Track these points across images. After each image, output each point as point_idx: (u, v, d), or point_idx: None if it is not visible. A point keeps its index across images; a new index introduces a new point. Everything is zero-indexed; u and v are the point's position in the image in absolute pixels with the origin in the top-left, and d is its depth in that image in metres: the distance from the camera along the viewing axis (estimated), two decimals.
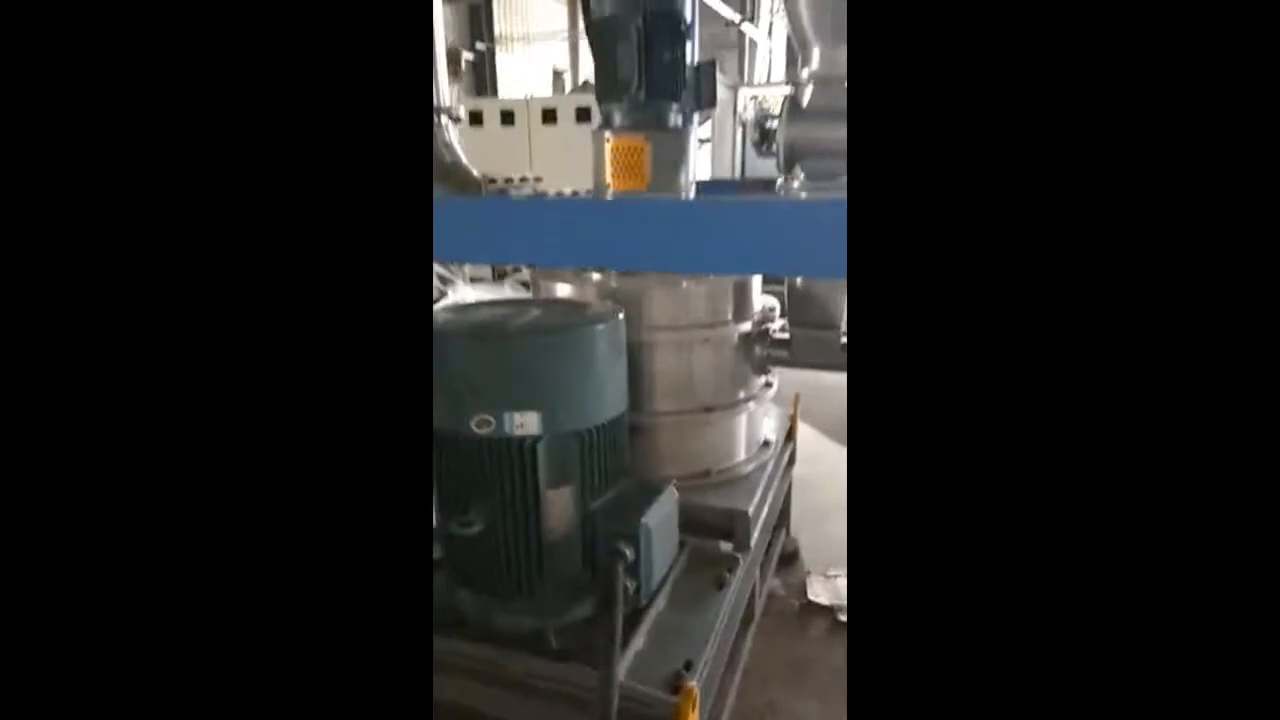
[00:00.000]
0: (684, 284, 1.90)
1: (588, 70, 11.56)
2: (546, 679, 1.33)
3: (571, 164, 5.15)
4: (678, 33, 1.89)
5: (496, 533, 1.36)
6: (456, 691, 1.37)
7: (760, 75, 9.71)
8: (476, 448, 1.33)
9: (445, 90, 2.28)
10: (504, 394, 1.30)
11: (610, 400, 1.42)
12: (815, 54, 1.74)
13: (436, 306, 1.81)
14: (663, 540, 1.47)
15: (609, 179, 2.01)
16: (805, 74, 1.77)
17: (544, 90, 10.92)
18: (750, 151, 6.43)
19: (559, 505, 1.38)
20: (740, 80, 8.87)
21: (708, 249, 0.93)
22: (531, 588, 1.40)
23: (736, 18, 9.45)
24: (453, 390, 1.33)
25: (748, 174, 6.17)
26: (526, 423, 1.31)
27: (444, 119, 2.28)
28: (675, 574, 1.62)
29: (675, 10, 1.87)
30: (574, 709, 1.30)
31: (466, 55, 10.08)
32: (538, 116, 5.81)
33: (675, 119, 1.98)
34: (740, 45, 10.46)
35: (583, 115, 5.65)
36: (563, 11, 11.88)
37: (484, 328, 1.37)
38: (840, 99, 1.73)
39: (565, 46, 11.76)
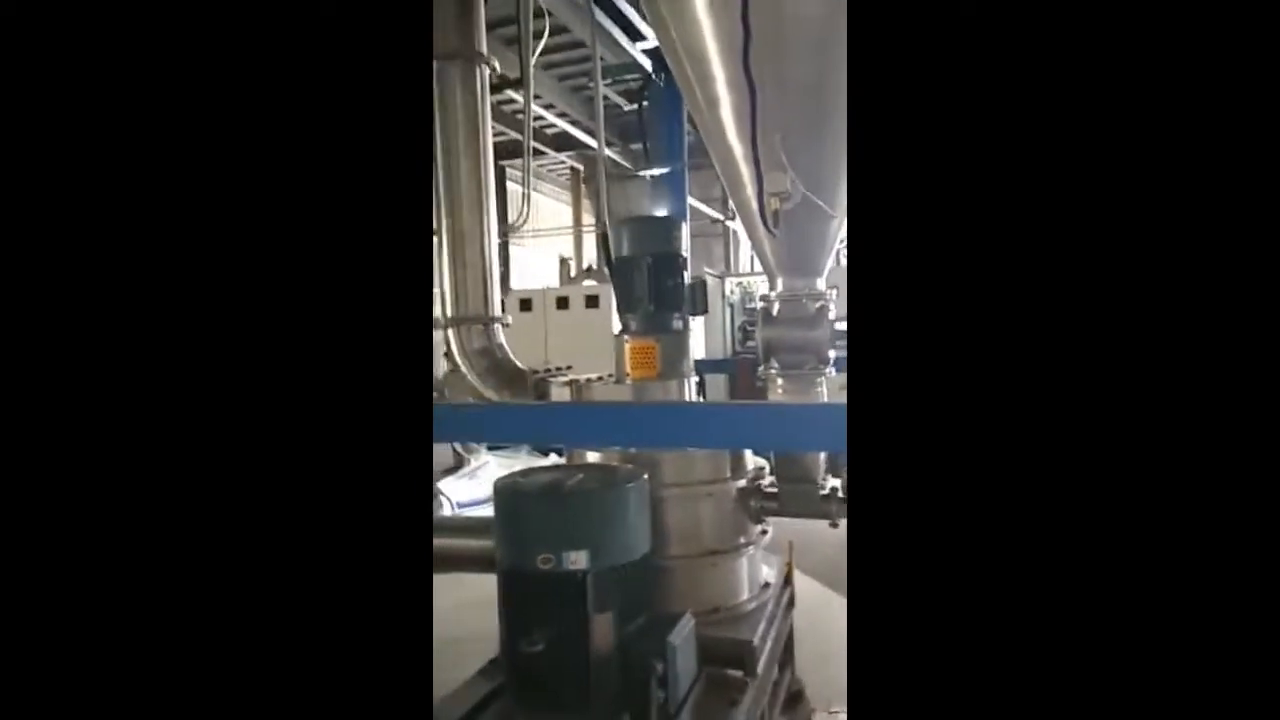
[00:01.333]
0: (689, 450, 2.39)
1: (590, 257, 12.96)
2: None
3: (582, 343, 5.86)
4: (676, 265, 2.56)
5: (555, 651, 1.73)
6: None
7: (743, 261, 11.01)
8: (540, 580, 1.74)
9: (497, 301, 2.93)
10: (563, 537, 1.74)
11: (640, 543, 1.86)
12: (779, 281, 2.38)
13: (471, 470, 2.28)
14: (686, 659, 1.83)
15: (628, 370, 2.58)
16: (773, 294, 2.40)
17: (552, 273, 12.18)
18: (738, 328, 7.26)
19: (602, 628, 1.76)
20: (726, 269, 10.15)
21: (709, 436, 1.45)
22: (582, 700, 1.74)
23: (721, 216, 10.93)
24: (521, 536, 1.77)
25: (737, 348, 6.90)
26: (579, 559, 1.73)
27: (496, 326, 2.91)
28: (695, 695, 1.94)
29: (674, 250, 2.56)
30: None
31: None
32: (553, 303, 6.58)
33: (677, 324, 2.59)
34: (725, 236, 11.96)
35: (591, 302, 6.46)
36: (568, 210, 13.55)
37: (548, 488, 1.85)
38: (801, 310, 2.34)
39: (570, 238, 13.28)
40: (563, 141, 9.93)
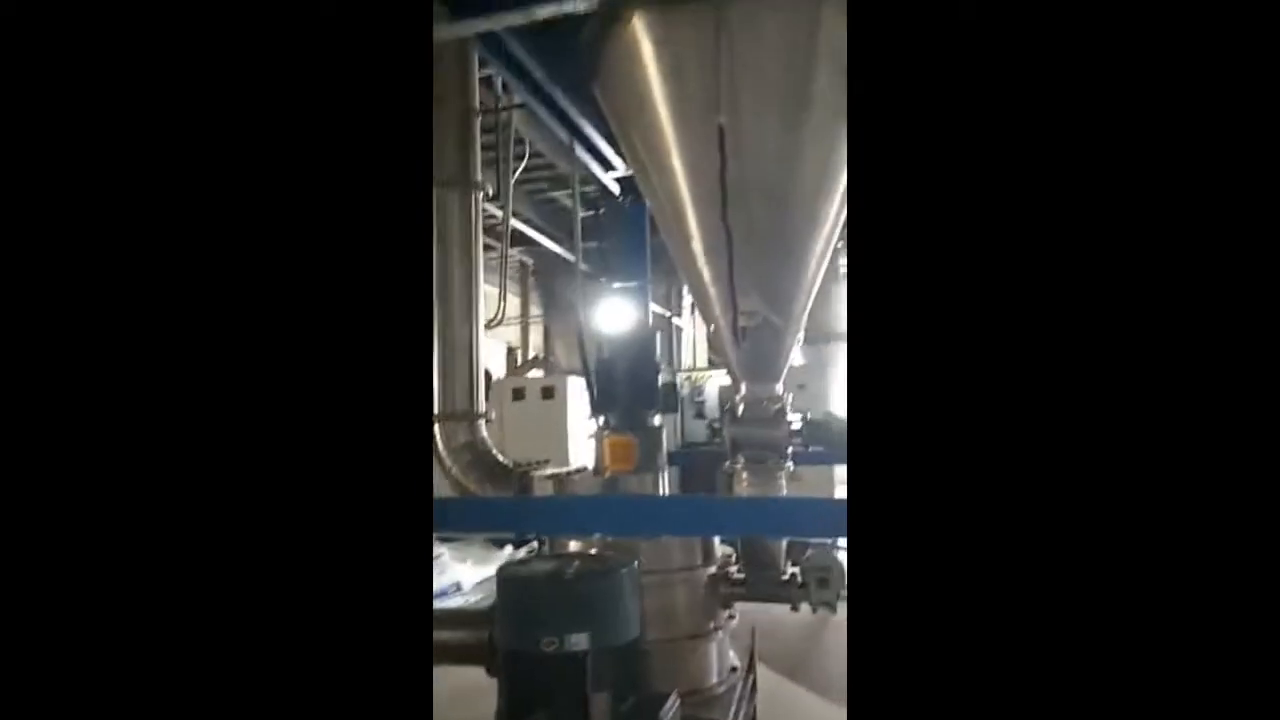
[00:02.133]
0: (665, 537, 2.62)
1: (536, 346, 13.23)
2: None
3: (539, 434, 6.02)
4: (652, 367, 2.87)
5: None
6: None
7: (686, 355, 11.61)
8: (543, 661, 1.90)
9: (481, 397, 3.15)
10: (566, 620, 1.92)
11: (633, 625, 2.05)
12: (743, 386, 2.73)
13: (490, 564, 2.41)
14: None
15: (607, 463, 2.82)
16: (738, 397, 2.73)
17: (499, 360, 12.36)
18: (706, 426, 7.68)
19: (600, 706, 1.91)
20: (671, 362, 10.66)
21: (685, 521, 1.72)
22: None
23: (667, 313, 11.54)
24: (526, 620, 1.94)
25: (687, 436, 7.23)
26: (580, 641, 1.91)
27: (480, 421, 3.12)
28: None
29: (650, 356, 2.88)
30: None
31: None
32: (509, 395, 6.74)
33: (651, 420, 2.88)
34: (669, 332, 12.55)
35: (547, 393, 6.67)
36: (516, 301, 13.93)
37: (553, 575, 2.04)
38: (763, 411, 2.67)
39: (518, 328, 13.59)
40: (514, 237, 10.40)
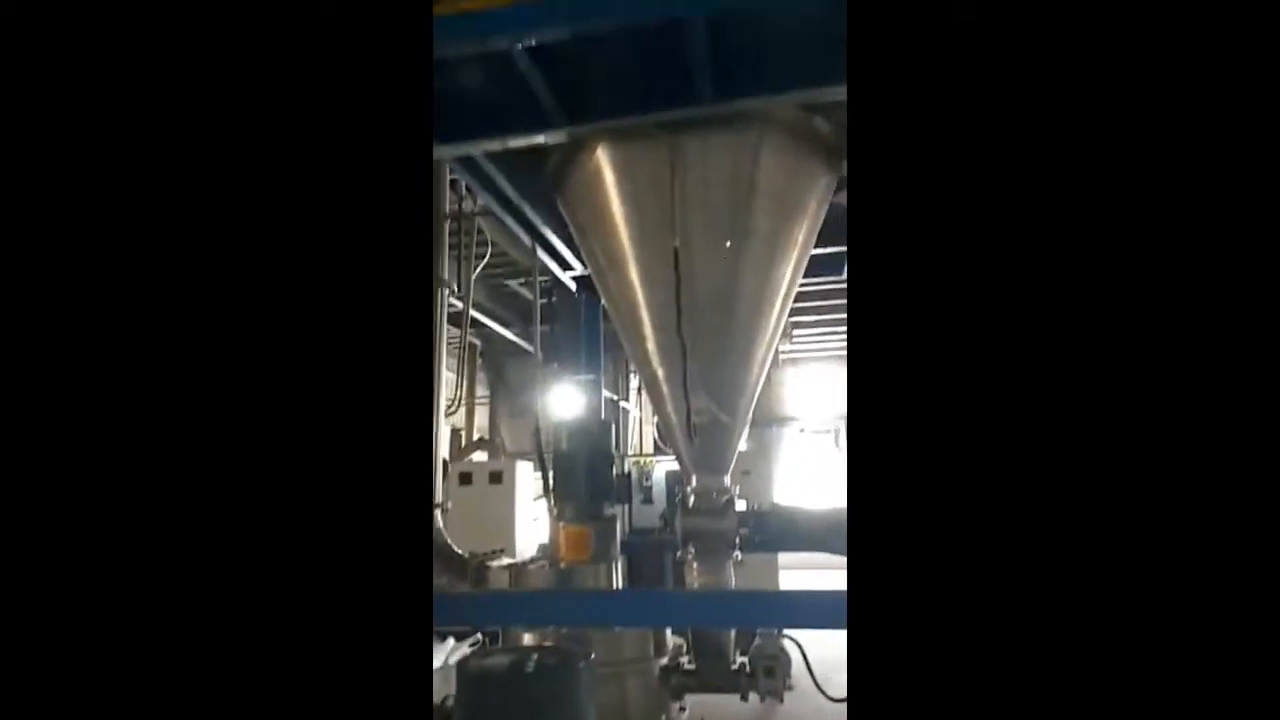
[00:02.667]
0: (617, 629, 2.70)
1: (481, 428, 13.11)
2: None
3: (488, 520, 5.97)
4: (609, 459, 3.03)
5: None
6: None
7: (633, 439, 11.76)
8: None
9: (440, 487, 3.22)
10: (526, 715, 1.98)
11: (589, 716, 2.11)
12: (693, 478, 2.91)
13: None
14: None
15: (563, 553, 2.91)
16: (689, 489, 2.91)
17: (443, 442, 12.18)
18: (659, 516, 7.74)
19: None
20: (620, 447, 10.78)
21: (645, 615, 1.85)
22: None
23: (615, 397, 11.75)
24: (485, 715, 1.98)
25: (635, 522, 7.29)
26: None
27: (436, 511, 3.17)
28: None
29: (607, 449, 3.04)
30: None
31: None
32: (455, 480, 6.64)
33: (608, 511, 3.00)
34: (617, 413, 12.72)
35: (495, 478, 6.64)
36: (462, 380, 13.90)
37: (513, 670, 2.10)
38: (712, 503, 2.85)
39: (463, 410, 13.49)
40: (457, 318, 10.53)
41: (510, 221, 3.40)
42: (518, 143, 2.61)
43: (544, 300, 8.27)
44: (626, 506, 7.52)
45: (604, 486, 2.98)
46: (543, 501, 7.47)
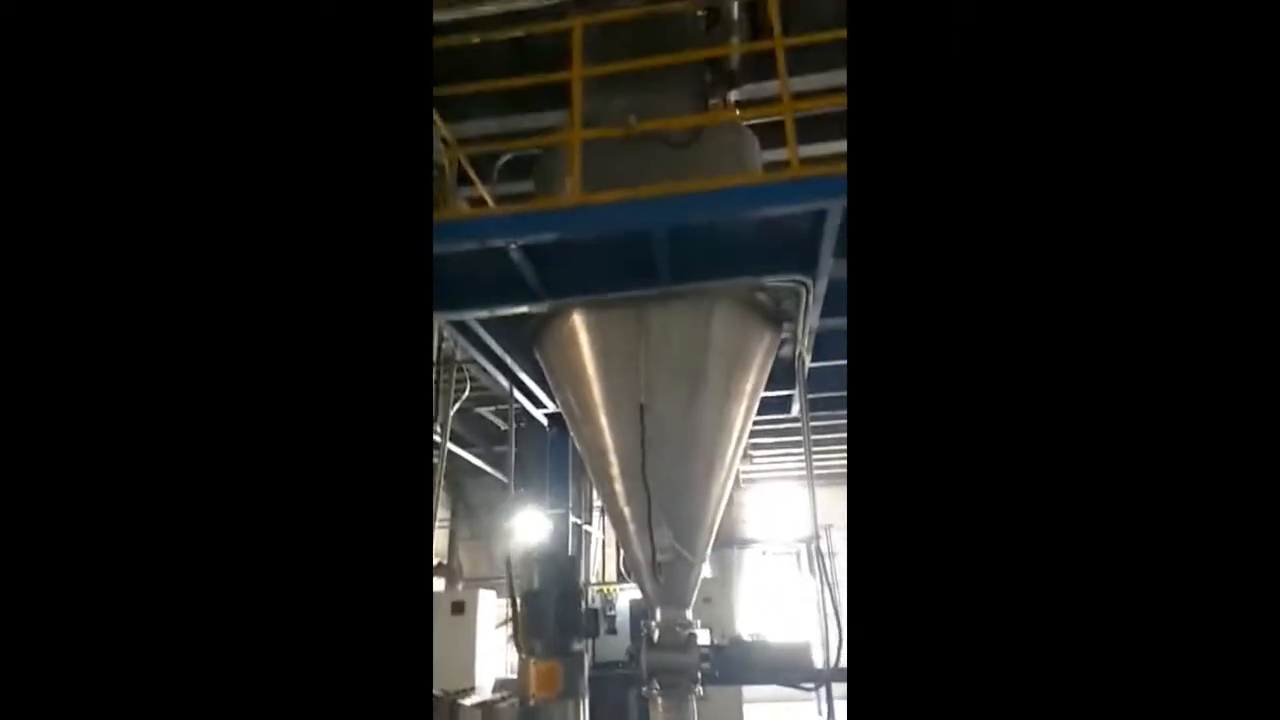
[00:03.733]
0: None
1: (440, 552, 12.72)
2: None
3: (449, 652, 5.77)
4: (577, 595, 3.24)
5: None
6: None
7: (595, 564, 11.63)
8: None
9: None
10: None
11: None
12: (658, 612, 3.13)
13: None
14: None
15: (533, 689, 3.04)
16: (653, 624, 3.12)
17: None
18: (625, 651, 7.59)
19: None
20: (586, 576, 10.66)
21: None
22: None
23: (579, 521, 11.74)
24: None
25: (598, 655, 7.19)
26: None
27: None
28: None
29: (576, 584, 3.26)
30: None
31: None
32: None
33: (577, 646, 3.16)
34: (579, 537, 12.61)
35: (457, 609, 6.52)
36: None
37: None
38: (675, 638, 3.05)
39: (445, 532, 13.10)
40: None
41: (492, 369, 3.77)
42: (505, 311, 3.04)
43: (510, 426, 8.49)
44: (591, 640, 7.41)
45: (572, 622, 3.17)
46: (503, 630, 7.27)
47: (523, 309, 3.00)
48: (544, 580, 3.23)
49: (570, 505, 4.63)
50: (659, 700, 3.00)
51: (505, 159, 3.82)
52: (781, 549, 10.34)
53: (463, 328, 3.35)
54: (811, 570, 9.74)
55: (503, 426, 9.07)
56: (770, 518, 11.66)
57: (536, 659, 3.10)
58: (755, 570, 10.08)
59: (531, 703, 2.99)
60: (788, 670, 2.98)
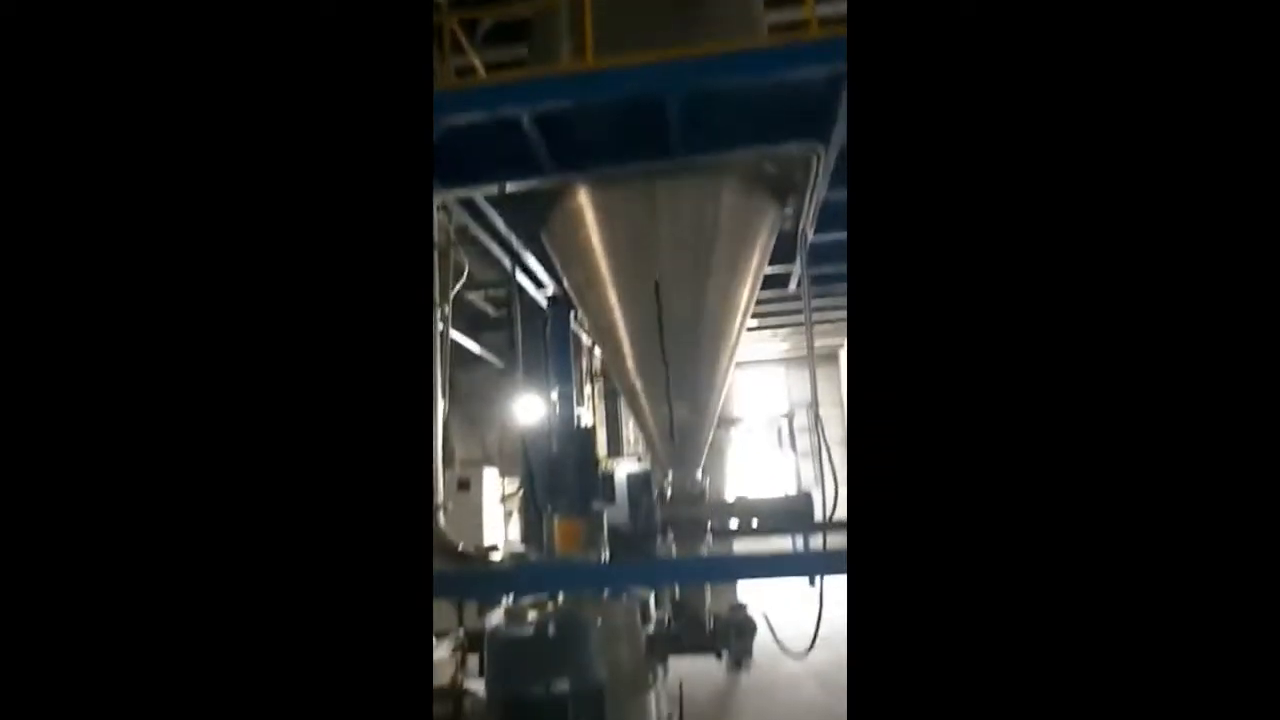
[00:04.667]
0: (610, 607, 3.13)
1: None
2: None
3: (454, 526, 6.12)
4: (593, 461, 3.46)
5: None
6: None
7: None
8: (532, 704, 2.34)
9: (440, 488, 3.56)
10: (551, 670, 2.39)
11: (599, 672, 2.54)
12: (670, 474, 3.38)
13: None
14: None
15: (558, 545, 3.32)
16: (665, 484, 3.37)
17: None
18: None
19: None
20: None
21: (636, 578, 2.31)
22: None
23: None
24: (515, 671, 2.39)
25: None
26: (563, 685, 2.38)
27: (439, 511, 3.51)
28: None
29: (592, 454, 3.47)
30: None
31: None
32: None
33: (596, 507, 3.43)
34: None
35: (463, 486, 6.85)
36: None
37: (539, 634, 2.51)
38: (689, 495, 3.32)
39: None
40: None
41: (496, 249, 3.78)
42: (514, 187, 3.02)
43: (502, 312, 8.50)
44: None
45: (591, 486, 3.41)
46: (504, 504, 7.65)
47: (531, 184, 2.98)
48: (563, 448, 3.44)
49: (573, 383, 4.79)
50: (673, 551, 3.31)
51: (488, 25, 3.63)
52: (764, 427, 10.87)
53: (468, 205, 3.34)
54: (811, 438, 10.27)
55: (492, 313, 9.12)
56: (754, 398, 12.14)
57: (560, 519, 3.36)
58: (741, 447, 10.62)
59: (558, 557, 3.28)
60: (785, 520, 3.28)
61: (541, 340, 5.14)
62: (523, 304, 5.10)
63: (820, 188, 3.08)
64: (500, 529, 7.52)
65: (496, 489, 7.63)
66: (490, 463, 9.09)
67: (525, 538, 6.02)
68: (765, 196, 3.32)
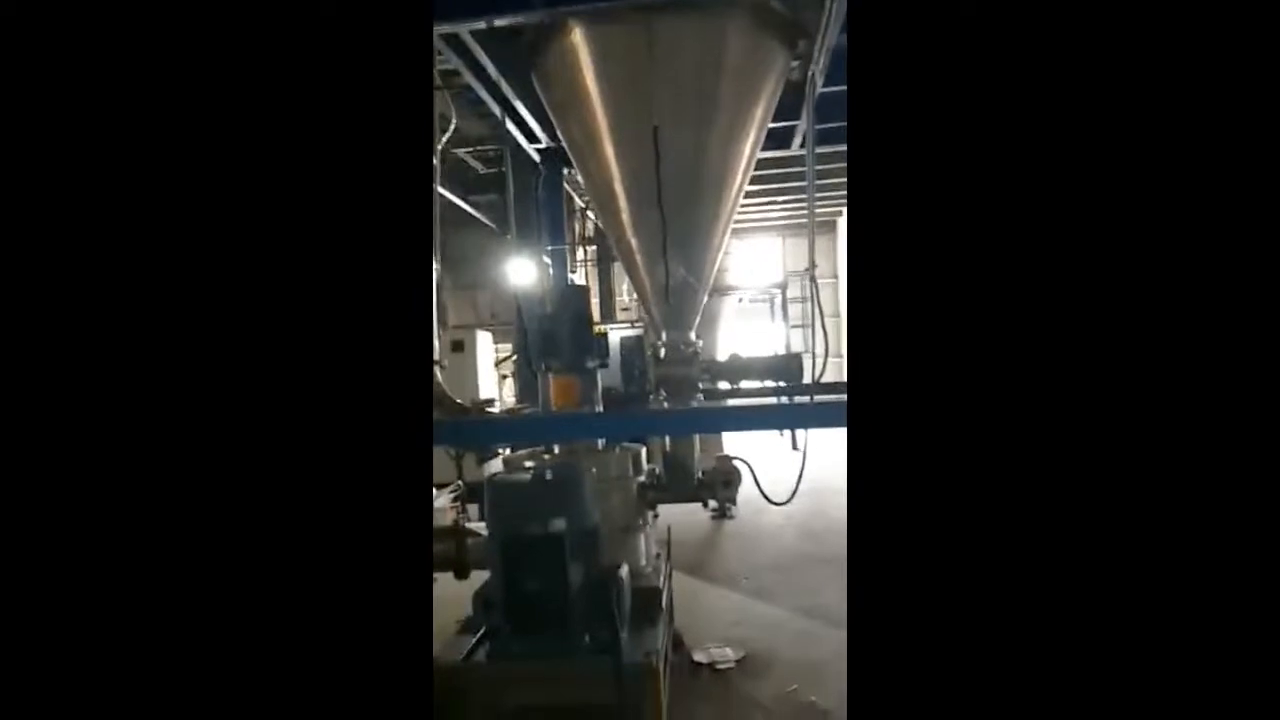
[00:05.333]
0: (605, 453, 3.27)
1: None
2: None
3: (449, 385, 6.30)
4: (588, 321, 3.46)
5: (545, 591, 2.50)
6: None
7: None
8: (531, 543, 2.51)
9: (437, 346, 3.59)
10: (549, 510, 2.53)
11: (592, 514, 2.70)
12: (664, 334, 3.40)
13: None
14: (625, 590, 2.69)
15: (554, 400, 3.40)
16: (659, 343, 3.40)
17: None
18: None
19: (575, 573, 2.56)
20: None
21: (628, 426, 2.39)
22: (564, 622, 2.52)
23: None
24: (515, 512, 2.53)
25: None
26: (559, 525, 2.53)
27: (435, 368, 3.56)
28: (629, 620, 2.79)
29: (587, 313, 3.46)
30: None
31: None
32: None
33: (590, 364, 3.48)
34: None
35: (456, 347, 6.94)
36: None
37: (536, 478, 2.63)
38: (679, 354, 3.36)
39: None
40: None
41: (485, 94, 3.55)
42: (503, 21, 2.77)
43: (492, 171, 8.16)
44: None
45: (585, 344, 3.44)
46: (496, 369, 7.80)
47: (520, 18, 2.73)
48: (558, 307, 3.43)
49: (566, 241, 4.70)
50: (665, 407, 3.40)
51: None
52: (758, 297, 10.90)
53: (455, 44, 3.08)
54: (805, 308, 10.31)
55: (481, 170, 8.78)
56: (750, 267, 12.04)
57: (555, 375, 3.41)
58: (734, 316, 10.71)
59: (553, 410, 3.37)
60: (777, 371, 3.34)
61: (534, 198, 4.98)
62: (515, 160, 4.88)
63: (832, 31, 2.86)
64: (495, 391, 7.72)
65: (490, 352, 7.74)
66: (483, 326, 9.13)
67: (520, 399, 6.18)
68: (773, 39, 3.07)
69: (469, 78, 3.39)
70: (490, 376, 7.56)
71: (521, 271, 5.58)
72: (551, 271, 4.68)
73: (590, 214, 7.85)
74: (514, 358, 6.66)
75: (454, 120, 4.77)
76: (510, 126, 3.99)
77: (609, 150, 3.07)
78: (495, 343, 8.34)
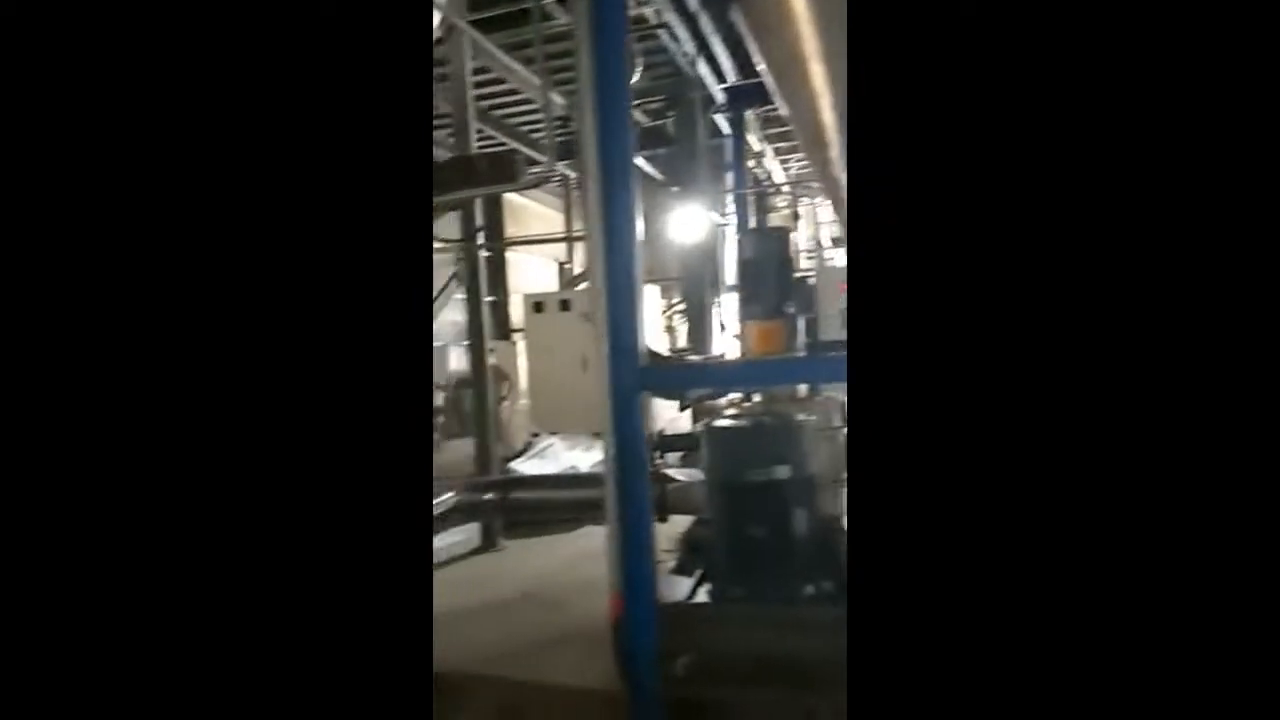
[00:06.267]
0: (808, 401, 3.14)
1: (581, 261, 13.47)
2: None
3: (558, 347, 5.47)
4: (789, 264, 3.32)
5: (770, 536, 2.46)
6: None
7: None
8: (752, 489, 2.46)
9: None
10: (772, 457, 2.47)
11: (811, 463, 2.60)
12: None
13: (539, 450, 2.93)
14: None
15: (754, 347, 3.32)
16: None
17: (552, 276, 12.61)
18: None
19: (798, 520, 2.49)
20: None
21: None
22: (787, 568, 2.47)
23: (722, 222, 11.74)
24: (736, 459, 2.49)
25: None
26: (782, 471, 2.46)
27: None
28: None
29: (789, 257, 3.31)
30: None
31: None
32: (531, 308, 5.02)
33: (790, 309, 3.34)
34: (719, 236, 12.70)
35: (564, 305, 6.02)
36: (560, 218, 14.09)
37: (758, 425, 2.57)
38: None
39: (564, 245, 13.80)
40: (563, 151, 10.36)
41: (681, 27, 3.43)
42: None
43: (658, 123, 8.08)
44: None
45: (786, 288, 3.29)
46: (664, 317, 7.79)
47: None
48: (760, 250, 3.31)
49: (746, 189, 4.52)
50: None
51: None
52: None
53: None
54: None
55: (645, 123, 8.70)
56: None
57: (756, 320, 3.31)
58: None
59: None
60: None
61: (704, 147, 4.82)
62: (689, 107, 4.73)
63: None
64: (664, 343, 7.77)
65: (657, 304, 7.77)
66: (650, 280, 9.10)
67: (688, 348, 6.13)
68: None
69: (667, 12, 3.28)
70: (657, 327, 7.59)
71: (689, 222, 5.48)
72: (737, 216, 4.53)
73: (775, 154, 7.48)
74: (683, 307, 6.61)
75: (639, 69, 4.72)
76: (701, 65, 3.85)
77: (818, 81, 2.85)
78: (662, 294, 8.36)
